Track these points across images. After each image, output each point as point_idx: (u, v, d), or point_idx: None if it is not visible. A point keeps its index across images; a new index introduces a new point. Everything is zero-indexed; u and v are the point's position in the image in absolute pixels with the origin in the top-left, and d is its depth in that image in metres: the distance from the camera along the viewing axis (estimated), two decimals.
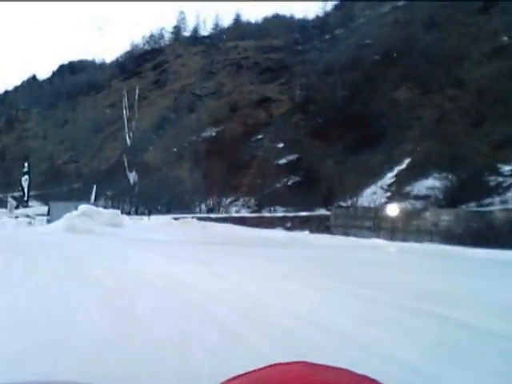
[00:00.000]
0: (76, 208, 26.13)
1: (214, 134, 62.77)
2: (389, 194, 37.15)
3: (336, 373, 1.21)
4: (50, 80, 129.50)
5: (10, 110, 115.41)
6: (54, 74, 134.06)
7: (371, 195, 37.47)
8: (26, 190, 47.89)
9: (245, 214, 42.94)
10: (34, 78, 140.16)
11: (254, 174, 48.28)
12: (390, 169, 39.65)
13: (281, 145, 52.70)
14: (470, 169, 33.20)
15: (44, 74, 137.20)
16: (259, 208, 45.00)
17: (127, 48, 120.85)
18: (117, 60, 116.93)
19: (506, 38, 48.08)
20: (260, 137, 56.33)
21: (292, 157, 49.66)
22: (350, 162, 42.22)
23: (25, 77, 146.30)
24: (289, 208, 40.59)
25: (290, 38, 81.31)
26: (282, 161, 50.10)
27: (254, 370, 1.22)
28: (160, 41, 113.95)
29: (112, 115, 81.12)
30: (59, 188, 69.99)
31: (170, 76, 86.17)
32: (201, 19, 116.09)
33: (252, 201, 47.79)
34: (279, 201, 42.94)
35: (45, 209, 44.03)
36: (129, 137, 64.10)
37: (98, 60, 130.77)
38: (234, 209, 46.88)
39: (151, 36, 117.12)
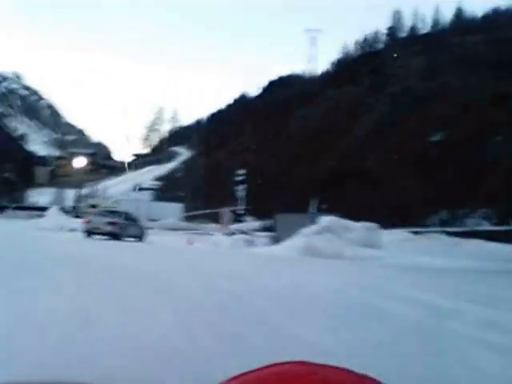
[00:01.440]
0: (313, 221, 21.09)
1: (441, 137, 55.54)
2: None
3: (336, 372, 1.25)
4: (260, 96, 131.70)
5: (223, 126, 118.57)
6: (264, 89, 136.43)
7: None
8: (241, 202, 43.32)
9: (489, 227, 35.79)
10: (243, 96, 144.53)
11: (494, 182, 40.36)
12: None
13: None
14: None
15: (254, 91, 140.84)
16: (504, 220, 37.37)
17: (338, 55, 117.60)
18: (328, 68, 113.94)
19: None
20: (499, 138, 48.03)
21: None
22: None
23: (236, 95, 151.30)
24: None
25: None
26: None
27: (254, 370, 1.24)
28: (375, 44, 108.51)
29: (327, 124, 77.30)
30: (273, 201, 67.37)
31: (387, 79, 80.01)
32: (419, 17, 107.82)
33: (493, 212, 40.19)
34: None
35: (259, 224, 39.58)
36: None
37: (307, 72, 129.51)
38: (472, 221, 39.73)
39: (365, 40, 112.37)
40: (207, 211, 75.69)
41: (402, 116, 66.15)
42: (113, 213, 30.13)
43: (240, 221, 50.18)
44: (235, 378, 1.22)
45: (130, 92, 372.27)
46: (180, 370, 3.46)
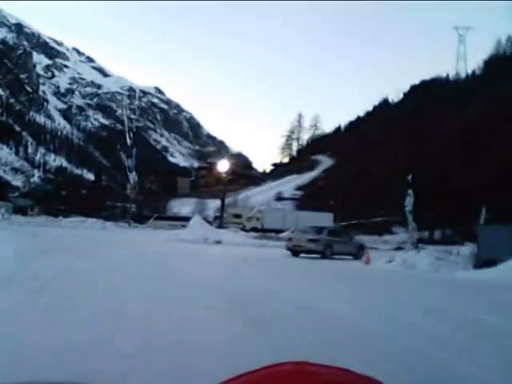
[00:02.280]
0: None
1: None
2: None
3: (336, 373, 1.26)
4: (402, 101, 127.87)
5: (366, 132, 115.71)
6: (406, 94, 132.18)
7: None
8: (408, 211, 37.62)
9: None
10: (385, 101, 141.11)
11: None
12: None
13: None
14: None
15: (394, 96, 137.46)
16: None
17: (489, 53, 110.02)
18: (480, 67, 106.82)
19: None
20: None
21: None
22: None
23: (376, 101, 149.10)
24: None
25: None
26: None
27: (254, 370, 1.24)
28: None
29: (484, 126, 71.49)
30: (429, 210, 62.86)
31: None
32: None
33: None
34: None
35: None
36: None
37: (456, 72, 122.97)
38: None
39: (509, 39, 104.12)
40: (362, 221, 72.29)
41: None
42: (315, 228, 27.50)
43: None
44: (235, 378, 1.22)
45: (270, 101, 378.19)
46: None
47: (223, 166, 55.43)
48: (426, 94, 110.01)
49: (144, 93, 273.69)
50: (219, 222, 52.08)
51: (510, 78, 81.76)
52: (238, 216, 64.54)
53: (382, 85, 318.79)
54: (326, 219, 54.59)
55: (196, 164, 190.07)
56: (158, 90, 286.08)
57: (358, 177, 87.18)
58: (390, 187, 76.88)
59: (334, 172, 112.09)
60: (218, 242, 33.17)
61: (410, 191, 33.64)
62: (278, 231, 49.88)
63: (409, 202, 33.30)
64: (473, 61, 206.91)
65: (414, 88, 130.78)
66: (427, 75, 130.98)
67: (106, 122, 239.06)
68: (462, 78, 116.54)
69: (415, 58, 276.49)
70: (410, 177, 36.23)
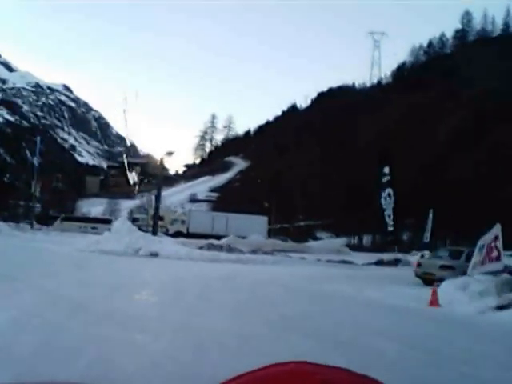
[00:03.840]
0: None
1: None
2: None
3: (336, 372, 1.27)
4: (311, 107, 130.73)
5: (279, 136, 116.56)
6: (314, 101, 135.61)
7: None
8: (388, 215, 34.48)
9: None
10: (293, 107, 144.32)
11: None
12: None
13: None
14: None
15: (303, 101, 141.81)
16: None
17: (400, 61, 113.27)
18: (394, 73, 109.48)
19: None
20: None
21: None
22: None
23: (284, 107, 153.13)
24: None
25: None
26: None
27: (254, 370, 1.25)
28: (442, 48, 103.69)
29: (398, 132, 72.98)
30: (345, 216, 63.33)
31: (464, 83, 75.00)
32: (488, 18, 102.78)
33: None
34: None
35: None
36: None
37: (358, 84, 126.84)
38: None
39: (429, 45, 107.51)
40: (285, 225, 71.89)
41: (488, 121, 61.38)
42: (451, 252, 22.63)
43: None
44: (236, 378, 1.22)
45: (182, 102, 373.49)
46: None
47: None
48: (338, 99, 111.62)
49: (51, 90, 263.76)
50: (152, 226, 43.81)
51: (422, 84, 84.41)
52: (159, 218, 56.36)
53: (292, 89, 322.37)
54: (259, 223, 51.36)
55: (105, 164, 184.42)
56: (66, 88, 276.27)
57: (274, 181, 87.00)
58: (307, 192, 77.64)
59: (249, 175, 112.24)
60: (154, 255, 24.80)
61: (389, 191, 32.57)
62: (205, 236, 43.13)
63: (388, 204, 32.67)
64: (387, 67, 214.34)
65: (321, 95, 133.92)
66: (340, 81, 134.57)
67: (11, 118, 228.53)
68: (376, 84, 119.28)
69: (329, 64, 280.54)
70: (386, 169, 34.13)
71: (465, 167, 54.22)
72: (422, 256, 25.73)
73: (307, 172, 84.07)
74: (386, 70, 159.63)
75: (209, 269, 20.48)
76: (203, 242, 33.77)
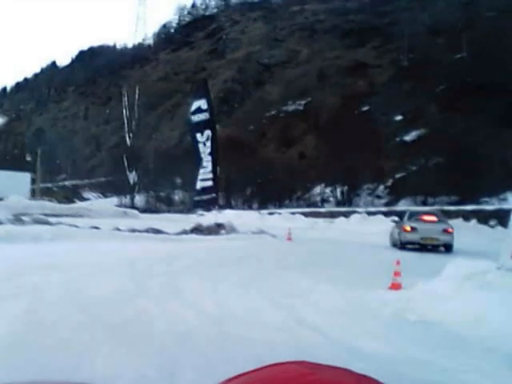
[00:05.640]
0: None
1: (301, 107, 53.67)
2: None
3: (335, 372, 1.27)
4: (71, 65, 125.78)
5: (40, 91, 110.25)
6: (74, 59, 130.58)
7: None
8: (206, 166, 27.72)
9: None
10: (53, 64, 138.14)
11: (373, 154, 38.73)
12: None
13: (399, 117, 43.51)
14: None
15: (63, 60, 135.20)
16: (394, 198, 36.00)
17: (169, 18, 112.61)
18: (160, 33, 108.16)
19: None
20: (365, 108, 47.00)
21: (418, 132, 40.54)
22: (504, 136, 32.92)
23: (44, 64, 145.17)
24: (444, 197, 31.86)
25: None
26: (407, 137, 40.91)
27: (254, 370, 1.24)
28: (207, 8, 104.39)
29: (166, 89, 72.79)
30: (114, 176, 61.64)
31: (229, 45, 76.72)
32: None
33: (381, 188, 38.76)
34: (421, 188, 34.06)
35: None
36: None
37: (121, 43, 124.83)
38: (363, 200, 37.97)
39: (193, 6, 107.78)
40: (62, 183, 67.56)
41: (248, 84, 63.72)
42: (439, 213, 20.60)
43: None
44: (235, 377, 1.21)
45: None
46: None
47: None
48: (96, 59, 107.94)
49: None
50: None
51: (187, 44, 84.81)
52: None
53: (52, 47, 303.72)
54: (20, 182, 45.01)
55: None
56: None
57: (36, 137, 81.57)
58: (73, 149, 74.22)
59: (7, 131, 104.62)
60: None
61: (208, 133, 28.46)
62: None
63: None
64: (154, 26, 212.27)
65: (82, 53, 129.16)
66: (104, 39, 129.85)
67: None
68: (141, 42, 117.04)
69: (92, 22, 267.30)
70: (202, 102, 28.32)
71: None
72: (396, 221, 21.91)
73: (71, 128, 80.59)
74: (152, 28, 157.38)
75: None
76: None
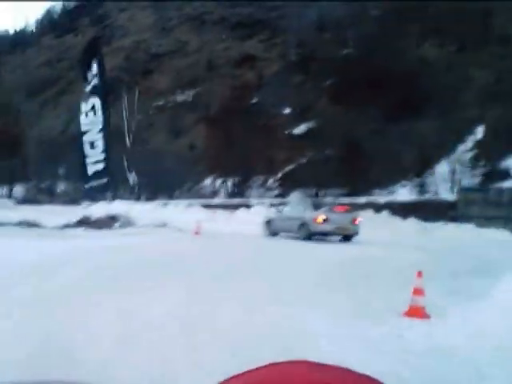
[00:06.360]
0: None
1: (190, 97, 53.14)
2: (478, 171, 29.48)
3: (336, 372, 1.24)
4: None
5: None
6: None
7: (448, 174, 29.68)
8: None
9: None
10: None
11: (264, 146, 39.00)
12: (460, 139, 32.01)
13: (288, 110, 44.03)
14: None
15: None
16: (285, 190, 36.35)
17: (53, 3, 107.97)
18: (44, 16, 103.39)
19: None
20: (255, 101, 47.22)
21: (308, 125, 41.20)
22: (391, 131, 34.26)
23: None
24: (332, 190, 32.56)
25: None
26: (296, 130, 41.47)
27: (254, 370, 1.22)
28: None
29: (50, 76, 69.82)
30: None
31: (116, 32, 74.64)
32: None
33: (271, 181, 39.03)
34: (312, 180, 34.63)
35: None
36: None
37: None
38: (252, 192, 38.10)
39: None
40: None
41: (136, 72, 62.37)
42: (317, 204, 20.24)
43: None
44: (235, 377, 1.19)
45: None
46: None
47: None
48: None
49: None
50: None
51: (72, 29, 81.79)
52: None
53: None
54: None
55: None
56: None
57: None
58: None
59: None
60: None
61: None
62: None
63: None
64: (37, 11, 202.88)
65: None
66: None
67: None
68: (22, 28, 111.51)
69: None
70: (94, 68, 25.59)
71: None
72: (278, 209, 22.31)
73: None
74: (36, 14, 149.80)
75: None
76: None
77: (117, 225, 20.02)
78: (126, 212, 22.19)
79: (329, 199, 28.09)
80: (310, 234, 18.16)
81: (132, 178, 41.00)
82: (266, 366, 1.19)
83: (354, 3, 52.04)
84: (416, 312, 6.18)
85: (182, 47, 64.30)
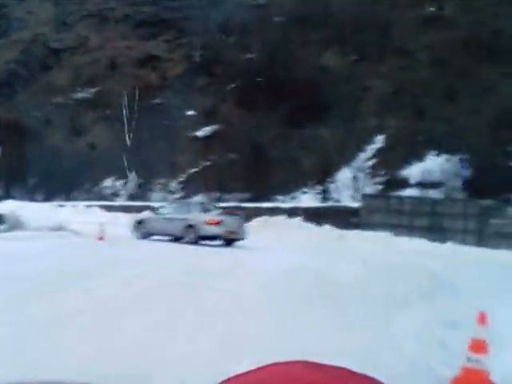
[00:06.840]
0: None
1: (91, 95, 51.62)
2: (378, 179, 30.45)
3: (336, 372, 1.25)
4: None
5: None
6: None
7: (351, 180, 30.51)
8: None
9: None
10: None
11: (167, 148, 38.51)
12: (360, 147, 32.95)
13: (191, 112, 43.69)
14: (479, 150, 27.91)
15: None
16: (188, 194, 36.10)
17: None
18: None
19: (432, 9, 43.80)
20: (158, 101, 46.54)
21: (212, 128, 41.10)
22: (294, 137, 34.93)
23: None
24: (235, 194, 32.68)
25: None
26: (200, 133, 41.22)
27: (254, 370, 1.23)
28: None
29: None
30: None
31: (13, 24, 71.11)
32: None
33: (174, 184, 38.55)
34: (215, 184, 34.63)
35: None
36: None
37: None
38: (154, 194, 37.48)
39: None
40: None
41: (34, 68, 60.05)
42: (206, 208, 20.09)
43: None
44: (235, 377, 1.20)
45: None
46: None
47: None
48: None
49: None
50: None
51: None
52: None
53: None
54: None
55: None
56: None
57: None
58: None
59: None
60: None
61: None
62: None
63: None
64: None
65: None
66: None
67: None
68: None
69: None
70: None
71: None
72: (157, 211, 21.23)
73: None
74: None
75: None
76: None
77: (2, 228, 17.14)
78: (14, 212, 19.61)
79: (230, 204, 28.26)
80: (199, 237, 18.00)
81: (33, 179, 39.69)
82: (266, 367, 1.21)
83: (259, 8, 52.57)
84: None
85: (82, 43, 62.28)
